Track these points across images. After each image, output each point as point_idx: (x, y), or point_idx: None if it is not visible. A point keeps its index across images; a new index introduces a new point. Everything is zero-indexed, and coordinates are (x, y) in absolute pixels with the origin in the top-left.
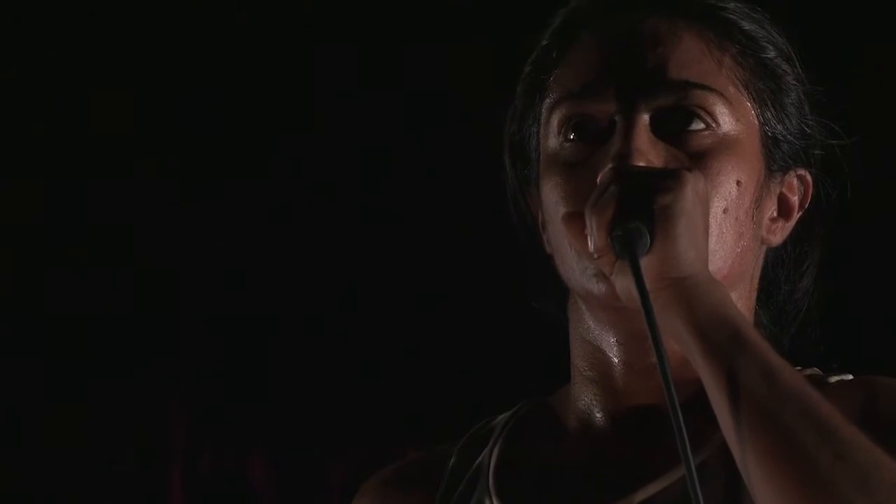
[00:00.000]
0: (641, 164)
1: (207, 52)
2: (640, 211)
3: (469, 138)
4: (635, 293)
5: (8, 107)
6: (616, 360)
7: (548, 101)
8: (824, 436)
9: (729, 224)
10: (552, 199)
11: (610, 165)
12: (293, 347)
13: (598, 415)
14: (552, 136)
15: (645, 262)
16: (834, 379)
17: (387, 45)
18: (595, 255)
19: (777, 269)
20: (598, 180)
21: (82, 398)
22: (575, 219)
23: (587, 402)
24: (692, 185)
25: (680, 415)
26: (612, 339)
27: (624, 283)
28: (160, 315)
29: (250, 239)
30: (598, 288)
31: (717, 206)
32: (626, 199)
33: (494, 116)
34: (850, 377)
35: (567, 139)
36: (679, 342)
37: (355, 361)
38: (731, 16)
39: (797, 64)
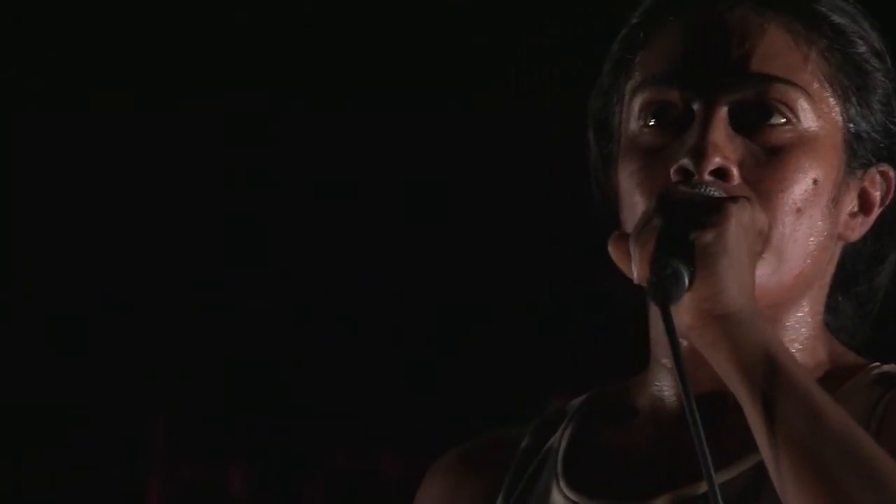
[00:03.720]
0: (717, 160)
1: (207, 52)
2: (680, 248)
3: (472, 137)
4: (683, 329)
5: (8, 105)
6: (689, 351)
7: (631, 82)
8: (867, 479)
9: (803, 223)
10: (627, 186)
11: (658, 193)
12: (274, 358)
13: (670, 401)
14: (633, 120)
15: (686, 299)
16: None
17: (384, 46)
18: (639, 283)
19: (855, 264)
20: (666, 178)
21: (61, 405)
22: (621, 242)
23: (661, 387)
24: (736, 217)
25: (702, 434)
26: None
27: (674, 313)
28: (143, 323)
29: (237, 246)
30: None
31: (790, 206)
32: (667, 234)
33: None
34: None
35: (647, 124)
36: (724, 377)
37: (336, 371)
38: (821, 8)
39: (888, 60)
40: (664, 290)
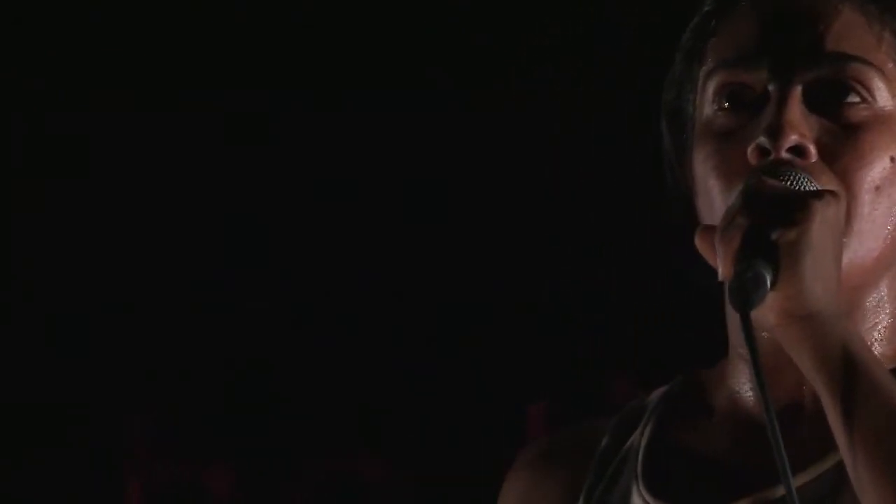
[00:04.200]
0: (793, 138)
1: (207, 52)
2: (764, 247)
3: (472, 137)
4: (767, 327)
5: (8, 106)
6: (766, 337)
7: (704, 68)
8: None
9: (882, 202)
10: (702, 171)
11: (742, 185)
12: (254, 357)
13: (748, 400)
14: (707, 104)
15: (770, 298)
16: None
17: (385, 46)
18: (724, 280)
19: None
20: (744, 178)
21: (40, 404)
22: (707, 235)
23: (739, 382)
24: (821, 214)
25: (779, 433)
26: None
27: (758, 314)
28: (120, 322)
29: (237, 246)
30: None
31: (868, 184)
32: (751, 233)
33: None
34: None
35: (721, 108)
36: (808, 377)
37: (317, 372)
38: None
39: None
40: (744, 294)
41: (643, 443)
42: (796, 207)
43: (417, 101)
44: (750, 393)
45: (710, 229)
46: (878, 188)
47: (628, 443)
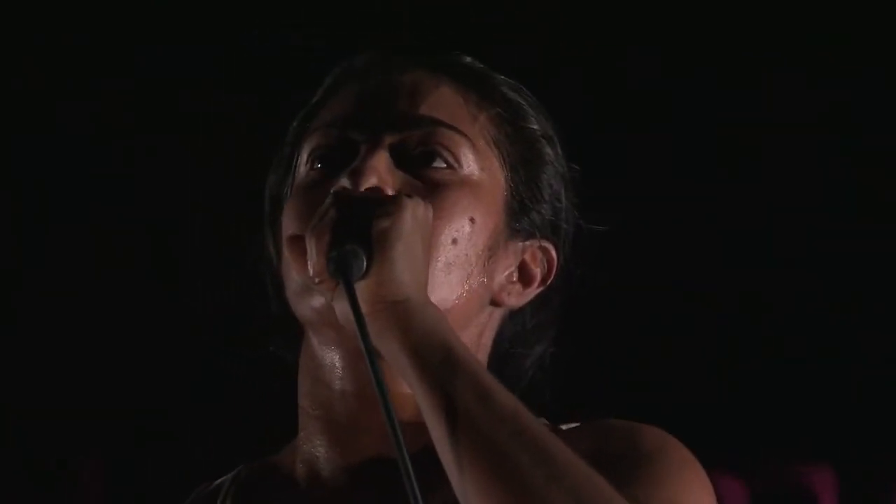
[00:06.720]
0: (373, 180)
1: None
2: (356, 235)
3: None
4: (351, 316)
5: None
6: (341, 390)
7: (304, 142)
8: (537, 457)
9: (457, 257)
10: (286, 222)
11: (332, 190)
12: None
13: (327, 458)
14: (302, 167)
15: (361, 286)
16: (565, 427)
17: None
18: (315, 280)
19: (514, 341)
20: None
21: None
22: (297, 241)
23: (316, 444)
24: (411, 210)
25: (402, 442)
26: (337, 366)
27: (343, 308)
28: None
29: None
30: (316, 302)
31: (446, 236)
32: (343, 223)
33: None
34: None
35: (313, 167)
36: (396, 365)
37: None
38: (496, 82)
39: (557, 146)
40: (345, 266)
41: None
42: (389, 202)
43: None
44: (327, 452)
45: (298, 237)
46: (455, 241)
47: None
